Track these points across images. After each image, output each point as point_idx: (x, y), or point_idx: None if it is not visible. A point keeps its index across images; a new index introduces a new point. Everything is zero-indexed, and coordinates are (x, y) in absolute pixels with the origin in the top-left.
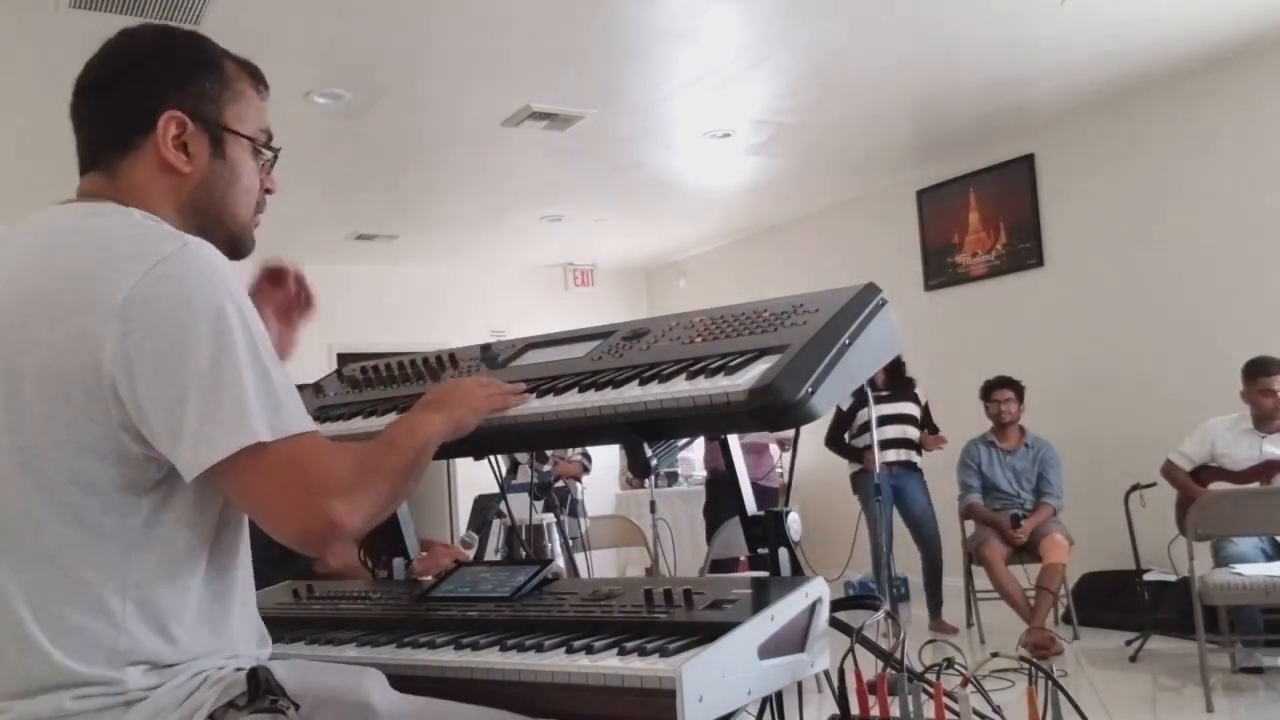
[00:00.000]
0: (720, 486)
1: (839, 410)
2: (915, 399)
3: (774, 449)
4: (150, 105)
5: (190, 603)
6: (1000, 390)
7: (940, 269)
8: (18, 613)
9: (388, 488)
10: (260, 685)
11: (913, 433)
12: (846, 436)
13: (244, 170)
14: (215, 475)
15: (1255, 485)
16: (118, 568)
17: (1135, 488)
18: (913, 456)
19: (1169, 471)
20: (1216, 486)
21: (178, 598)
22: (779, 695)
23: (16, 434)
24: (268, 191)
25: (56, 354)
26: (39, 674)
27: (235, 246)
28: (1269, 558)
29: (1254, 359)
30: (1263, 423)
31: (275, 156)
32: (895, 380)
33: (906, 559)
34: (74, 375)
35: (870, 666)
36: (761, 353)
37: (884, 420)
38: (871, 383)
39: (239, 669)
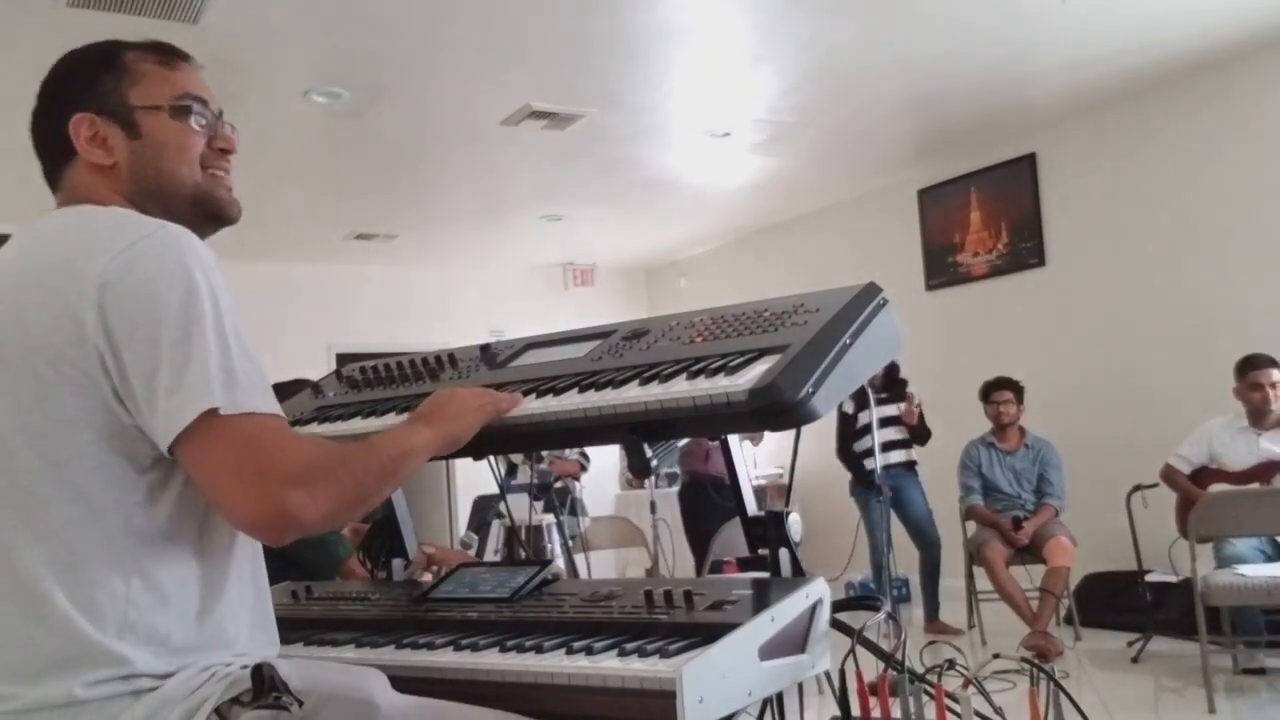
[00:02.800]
0: (700, 492)
1: (843, 415)
2: (909, 399)
3: (747, 446)
4: (61, 122)
5: (192, 582)
6: (999, 391)
7: (941, 269)
8: (38, 585)
9: (354, 487)
10: (265, 682)
11: (908, 433)
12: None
13: (167, 137)
14: (179, 451)
15: (1255, 486)
16: (120, 544)
17: (1137, 488)
18: (912, 456)
19: (1168, 475)
20: (1216, 488)
21: (179, 578)
22: (779, 696)
23: (18, 414)
24: (223, 150)
25: (46, 332)
26: (52, 650)
27: (204, 210)
28: (1268, 558)
29: (1245, 356)
30: (1257, 419)
31: (217, 114)
32: (890, 382)
33: (907, 560)
34: (64, 351)
35: (871, 668)
36: (762, 353)
37: (882, 422)
38: (869, 385)
39: (245, 666)
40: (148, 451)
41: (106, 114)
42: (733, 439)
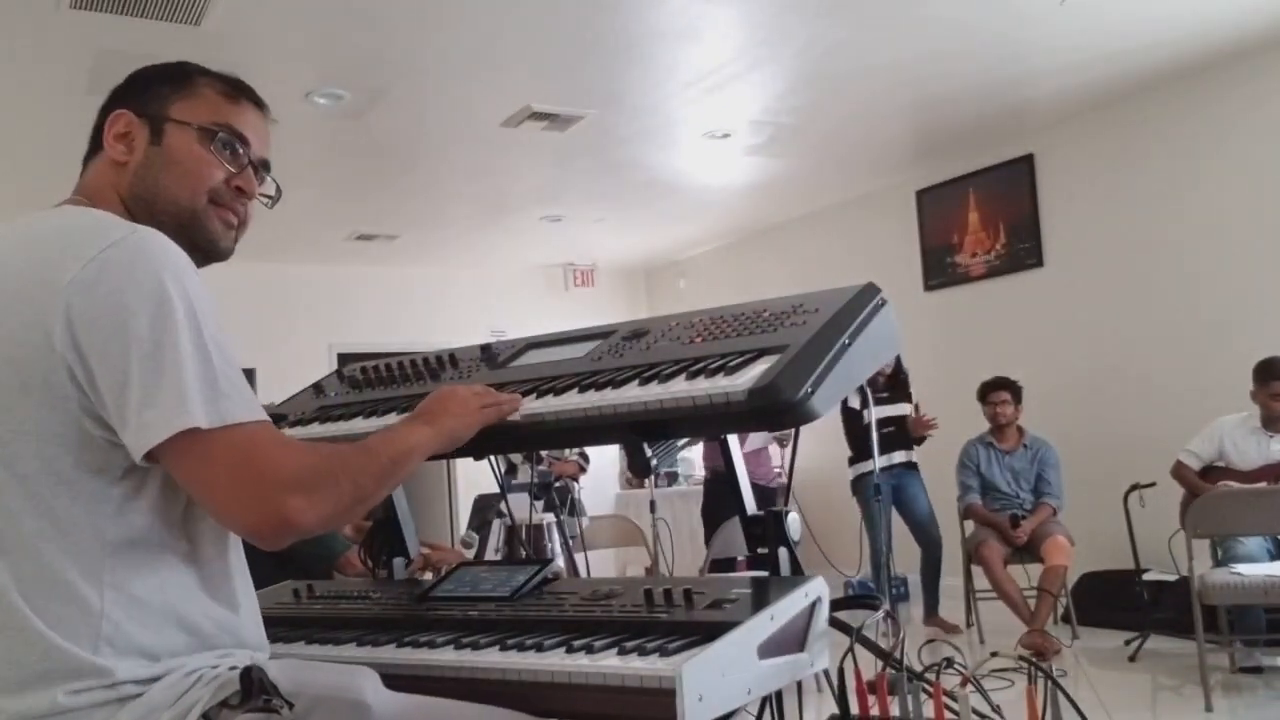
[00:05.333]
0: (720, 486)
1: (848, 409)
2: (909, 398)
3: (774, 449)
4: (105, 115)
5: (170, 592)
6: (996, 392)
7: (940, 269)
8: (11, 600)
9: (351, 488)
10: (254, 684)
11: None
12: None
13: (183, 155)
14: (161, 461)
15: (1261, 485)
16: (92, 557)
17: (1135, 487)
18: (912, 457)
19: (1179, 472)
20: (1224, 487)
21: (157, 586)
22: (779, 695)
23: None
24: (239, 190)
25: (14, 343)
26: (32, 662)
27: (189, 237)
28: (1273, 557)
29: (1266, 360)
30: (1272, 423)
31: (256, 161)
32: (894, 382)
33: (906, 559)
34: (31, 362)
35: (870, 666)
36: (761, 353)
37: (885, 421)
38: (873, 384)
39: (233, 668)
40: (120, 461)
41: (144, 116)
42: (766, 440)
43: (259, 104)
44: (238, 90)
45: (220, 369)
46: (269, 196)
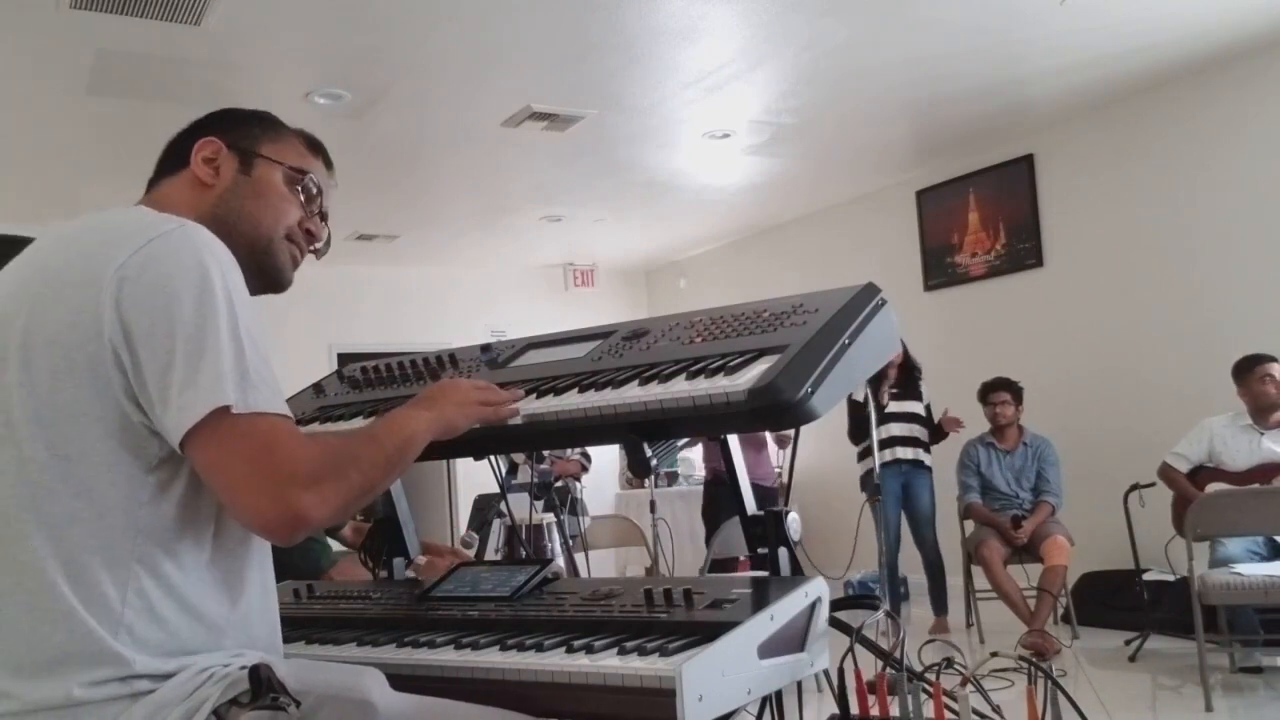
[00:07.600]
0: (720, 487)
1: (853, 402)
2: (920, 396)
3: (773, 447)
4: (191, 139)
5: (190, 587)
6: (997, 392)
7: (940, 269)
8: (44, 577)
9: (360, 480)
10: (263, 683)
11: (919, 431)
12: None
13: (271, 189)
14: (190, 449)
15: (1255, 486)
16: (123, 543)
17: (1134, 487)
18: (920, 455)
19: (1166, 474)
20: (1214, 488)
21: (179, 580)
22: (779, 695)
23: (32, 406)
24: (309, 233)
25: (62, 327)
26: (54, 643)
27: (260, 263)
28: (1262, 559)
29: (1243, 357)
30: (1261, 416)
31: (323, 212)
32: (906, 377)
33: (908, 558)
34: (78, 346)
35: (870, 666)
36: (761, 353)
37: (892, 417)
38: (882, 378)
39: (243, 666)
40: (155, 450)
41: (233, 148)
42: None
43: (329, 164)
44: (316, 146)
45: (252, 359)
46: (320, 245)
